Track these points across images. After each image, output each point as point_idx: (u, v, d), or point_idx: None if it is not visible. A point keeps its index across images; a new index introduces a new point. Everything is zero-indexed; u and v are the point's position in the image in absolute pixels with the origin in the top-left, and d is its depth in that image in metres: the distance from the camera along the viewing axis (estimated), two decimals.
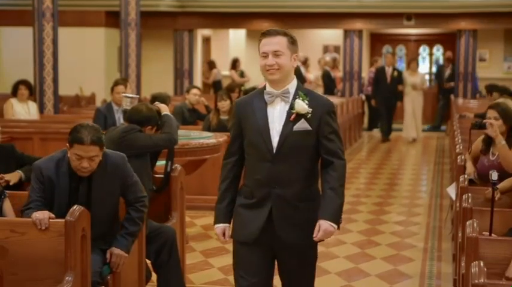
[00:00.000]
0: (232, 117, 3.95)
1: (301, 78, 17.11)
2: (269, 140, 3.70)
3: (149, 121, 5.48)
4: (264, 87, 3.81)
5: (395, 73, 15.26)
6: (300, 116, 3.67)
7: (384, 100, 15.25)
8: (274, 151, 3.69)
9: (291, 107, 3.70)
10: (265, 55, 3.73)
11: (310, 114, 3.67)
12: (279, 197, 3.72)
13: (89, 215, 3.99)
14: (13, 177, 5.24)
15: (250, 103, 3.81)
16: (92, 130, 4.26)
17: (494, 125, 5.59)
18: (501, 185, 5.07)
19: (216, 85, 17.06)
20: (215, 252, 6.84)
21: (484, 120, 5.68)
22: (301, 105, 3.66)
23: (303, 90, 3.78)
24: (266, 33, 3.77)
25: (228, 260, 6.53)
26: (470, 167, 5.92)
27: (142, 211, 4.51)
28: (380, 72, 15.48)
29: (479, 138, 6.02)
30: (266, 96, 3.76)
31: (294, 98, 3.71)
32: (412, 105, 15.25)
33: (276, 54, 3.69)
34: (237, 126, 3.87)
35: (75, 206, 3.93)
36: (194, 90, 10.17)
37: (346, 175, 3.77)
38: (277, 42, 3.72)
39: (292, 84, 3.78)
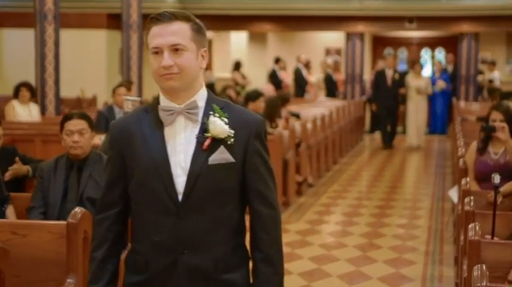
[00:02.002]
0: (108, 147, 2.70)
1: (302, 81, 17.22)
2: (171, 182, 2.52)
3: None
4: (157, 101, 2.61)
5: (397, 76, 14.56)
6: (217, 142, 2.52)
7: (385, 104, 14.49)
8: (180, 198, 2.52)
9: (203, 128, 2.53)
10: (157, 51, 2.51)
11: (232, 139, 2.53)
12: (190, 268, 2.55)
13: (90, 217, 3.99)
14: (20, 169, 5.27)
15: (137, 125, 2.59)
16: (78, 111, 4.89)
17: (506, 128, 5.61)
18: (503, 189, 5.07)
19: (209, 88, 17.04)
20: None
21: (496, 124, 5.68)
22: (219, 126, 2.51)
23: (218, 102, 2.61)
24: (157, 18, 2.54)
25: None
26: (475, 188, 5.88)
27: None
28: (380, 75, 14.76)
29: (471, 148, 6.03)
30: (162, 114, 2.55)
31: (206, 115, 2.54)
32: (416, 110, 14.47)
33: (175, 49, 2.51)
34: (116, 163, 2.63)
35: (76, 209, 3.93)
36: None
37: (281, 231, 2.68)
38: (176, 32, 2.52)
39: (201, 95, 2.60)
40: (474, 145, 6.03)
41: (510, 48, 18.75)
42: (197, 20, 2.62)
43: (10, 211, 4.61)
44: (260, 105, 9.00)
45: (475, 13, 16.33)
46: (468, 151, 6.13)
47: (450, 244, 7.23)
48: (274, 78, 17.06)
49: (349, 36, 17.44)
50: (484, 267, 3.33)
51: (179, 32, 2.53)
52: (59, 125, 4.76)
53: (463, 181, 5.54)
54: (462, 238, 5.03)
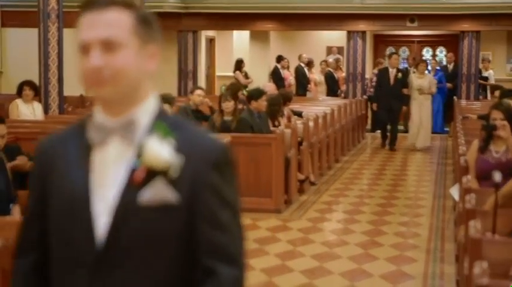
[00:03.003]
0: (31, 172, 2.08)
1: (304, 80, 17.25)
2: (89, 223, 1.85)
3: None
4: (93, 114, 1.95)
5: (400, 75, 14.02)
6: (153, 174, 1.81)
7: (386, 104, 13.97)
8: (99, 247, 1.84)
9: (138, 154, 1.84)
10: (85, 48, 1.87)
11: (177, 170, 1.82)
12: None
13: None
14: (25, 163, 5.30)
15: (64, 145, 1.96)
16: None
17: (507, 126, 5.64)
18: (502, 190, 5.05)
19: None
20: None
21: (497, 122, 5.71)
22: (155, 152, 1.80)
23: (168, 119, 1.91)
24: (90, 3, 1.90)
25: None
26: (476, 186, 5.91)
27: None
28: (383, 74, 14.31)
29: (472, 147, 6.07)
30: (92, 132, 1.92)
31: (148, 136, 1.86)
32: (419, 111, 13.94)
33: (107, 46, 1.86)
34: (35, 194, 2.01)
35: None
36: (198, 91, 10.20)
37: None
38: (111, 22, 1.88)
39: (145, 108, 1.92)
40: (475, 143, 6.07)
41: (511, 47, 18.77)
42: (144, 11, 1.97)
43: (16, 210, 4.65)
44: (262, 103, 9.03)
45: (476, 12, 16.36)
46: (469, 149, 6.17)
47: (451, 242, 7.27)
48: (276, 76, 17.09)
49: (350, 35, 17.45)
50: (485, 264, 3.36)
51: (115, 22, 1.86)
52: (61, 124, 4.78)
53: (464, 179, 5.58)
54: (463, 235, 5.06)
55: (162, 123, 1.87)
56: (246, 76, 17.15)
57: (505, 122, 5.69)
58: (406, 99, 14.04)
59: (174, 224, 1.83)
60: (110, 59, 1.85)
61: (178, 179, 1.82)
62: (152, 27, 2.00)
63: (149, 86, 1.98)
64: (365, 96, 16.76)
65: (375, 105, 14.73)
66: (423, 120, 13.98)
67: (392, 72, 14.04)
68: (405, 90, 13.92)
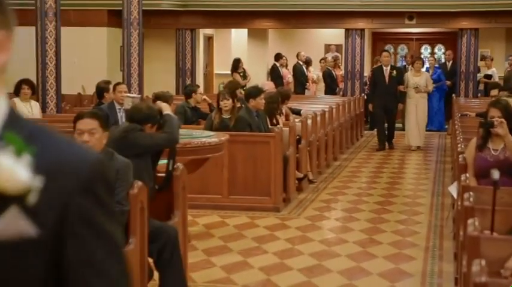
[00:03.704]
0: None
1: (303, 78, 17.24)
2: None
3: (149, 119, 5.51)
4: None
5: (394, 72, 13.81)
6: (5, 201, 1.33)
7: (383, 103, 13.73)
8: None
9: None
10: None
11: (36, 195, 1.34)
12: None
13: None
14: None
15: None
16: (90, 110, 4.76)
17: (504, 123, 5.63)
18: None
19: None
20: (217, 251, 6.86)
21: (494, 119, 5.70)
22: (8, 172, 1.32)
23: (22, 128, 1.41)
24: None
25: (230, 258, 6.57)
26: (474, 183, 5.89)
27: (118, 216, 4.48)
28: (377, 72, 14.07)
29: (470, 145, 6.06)
30: None
31: None
32: (416, 109, 13.70)
33: None
34: None
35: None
36: (199, 90, 10.31)
37: None
38: None
39: None
40: (474, 141, 6.06)
41: (509, 44, 18.77)
42: None
43: None
44: (261, 102, 9.02)
45: (475, 9, 16.36)
46: (468, 147, 6.16)
47: (450, 240, 7.26)
48: (275, 74, 17.07)
49: (348, 33, 17.44)
50: (483, 262, 3.35)
51: None
52: (59, 123, 4.78)
53: (463, 177, 5.56)
54: (462, 233, 5.05)
55: (15, 134, 1.36)
56: (244, 75, 17.11)
57: (503, 120, 5.68)
58: (402, 97, 13.88)
59: (33, 266, 1.37)
60: None
61: (38, 207, 1.34)
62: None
63: None
64: (363, 95, 16.74)
65: (370, 105, 14.55)
66: (419, 120, 13.75)
67: (386, 70, 13.82)
68: (400, 87, 13.76)
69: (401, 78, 13.78)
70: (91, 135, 4.54)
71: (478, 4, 16.25)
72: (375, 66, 15.57)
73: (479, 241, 3.96)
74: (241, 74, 17.05)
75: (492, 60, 17.36)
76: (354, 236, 7.52)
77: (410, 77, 13.78)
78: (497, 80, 16.29)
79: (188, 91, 10.19)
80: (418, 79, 13.69)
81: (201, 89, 10.36)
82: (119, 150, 4.89)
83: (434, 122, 16.69)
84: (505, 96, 8.13)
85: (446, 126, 16.54)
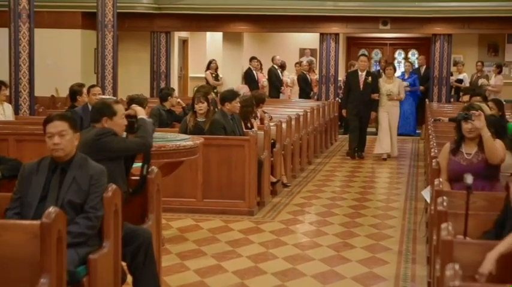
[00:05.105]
0: None
1: (278, 82, 17.25)
2: None
3: (102, 112, 5.38)
4: None
5: (370, 79, 13.10)
6: None
7: (356, 110, 13.12)
8: None
9: None
10: None
11: None
12: None
13: (65, 217, 3.98)
14: None
15: None
16: (59, 112, 4.77)
17: (482, 116, 5.66)
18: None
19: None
20: (191, 254, 6.84)
21: (471, 111, 5.73)
22: None
23: None
24: None
25: (204, 262, 6.56)
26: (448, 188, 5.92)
27: (92, 221, 4.46)
28: (352, 77, 13.39)
29: (444, 149, 6.10)
30: None
31: None
32: (388, 117, 13.15)
33: None
34: None
35: (50, 208, 3.91)
36: (175, 93, 10.28)
37: None
38: None
39: None
40: (447, 145, 6.09)
41: (481, 49, 18.97)
42: None
43: None
44: (236, 105, 9.01)
45: (448, 15, 16.52)
46: (441, 152, 6.19)
47: (423, 244, 7.30)
48: (249, 78, 17.06)
49: (323, 37, 17.51)
50: (456, 266, 3.36)
51: None
52: (32, 125, 4.74)
53: (436, 181, 5.59)
54: (435, 237, 5.08)
55: None
56: (217, 78, 17.10)
57: (481, 112, 5.71)
58: (376, 105, 13.20)
59: None
60: None
61: None
62: None
63: None
64: (337, 99, 16.78)
65: (344, 111, 13.66)
66: (391, 127, 13.26)
67: (362, 76, 13.15)
68: (374, 96, 13.11)
69: (376, 86, 13.15)
70: (61, 138, 4.50)
71: (451, 10, 16.40)
72: (349, 70, 15.52)
73: (453, 245, 3.98)
74: (214, 75, 17.05)
75: (464, 65, 17.54)
76: (327, 240, 7.53)
77: (383, 83, 13.24)
78: (467, 84, 16.45)
79: (164, 94, 10.15)
80: (391, 86, 13.20)
81: (175, 93, 10.32)
82: (92, 153, 4.85)
83: (407, 127, 16.77)
84: (478, 101, 8.19)
85: (419, 131, 16.64)
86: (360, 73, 13.24)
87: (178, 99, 10.53)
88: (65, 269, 3.99)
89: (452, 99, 17.16)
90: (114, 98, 10.36)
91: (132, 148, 5.48)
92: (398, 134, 14.40)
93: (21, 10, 10.96)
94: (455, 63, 17.73)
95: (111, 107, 5.33)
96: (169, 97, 10.00)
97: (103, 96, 8.69)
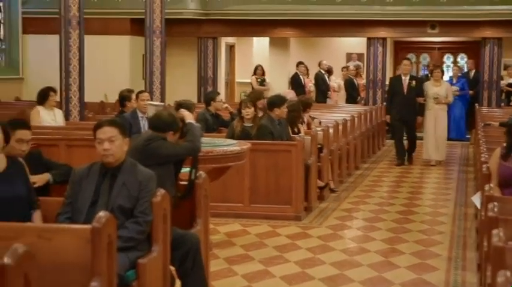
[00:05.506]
0: None
1: (324, 87, 17.21)
2: None
3: (170, 126, 5.51)
4: None
5: (414, 83, 12.80)
6: None
7: (400, 115, 12.80)
8: None
9: None
10: None
11: None
12: None
13: (115, 222, 4.02)
14: (40, 179, 5.29)
15: None
16: (109, 118, 4.82)
17: None
18: None
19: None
20: (239, 259, 6.85)
21: None
22: None
23: None
24: None
25: (251, 267, 6.57)
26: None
27: (141, 226, 4.49)
28: (395, 82, 13.14)
29: (494, 154, 6.02)
30: None
31: None
32: (435, 121, 12.81)
33: None
34: None
35: (101, 213, 3.96)
36: (219, 97, 10.28)
37: None
38: None
39: None
40: (498, 150, 6.02)
41: None
42: None
43: (37, 215, 4.68)
44: (284, 110, 9.03)
45: (498, 18, 16.29)
46: (492, 157, 6.12)
47: (473, 250, 7.20)
48: (296, 83, 17.06)
49: (370, 42, 17.42)
50: (508, 273, 3.31)
51: None
52: (82, 130, 4.80)
53: (487, 187, 5.53)
54: (485, 244, 5.01)
55: None
56: (263, 83, 17.10)
57: None
58: (421, 110, 12.90)
59: None
60: None
61: None
62: None
63: None
64: (384, 103, 16.65)
65: (388, 117, 13.40)
66: (438, 133, 12.87)
67: (405, 80, 12.83)
68: (420, 99, 12.81)
69: (421, 90, 12.81)
70: (111, 143, 4.54)
71: (501, 13, 16.17)
72: (393, 75, 15.31)
73: (504, 252, 3.93)
74: (259, 80, 17.07)
75: None
76: (375, 245, 7.48)
77: (430, 87, 12.85)
78: None
79: (207, 98, 10.21)
80: (438, 89, 12.80)
81: (221, 97, 10.35)
82: (142, 158, 4.91)
83: (457, 131, 16.60)
84: None
85: (469, 136, 16.44)
86: (403, 77, 12.93)
87: (226, 105, 10.56)
88: (116, 273, 4.03)
89: (502, 104, 16.91)
90: (162, 103, 10.47)
91: (181, 153, 5.52)
92: (449, 139, 14.18)
93: (71, 17, 11.14)
94: (506, 67, 17.47)
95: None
96: (212, 101, 10.03)
97: (151, 102, 8.77)
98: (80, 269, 3.94)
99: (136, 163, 4.69)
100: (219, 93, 10.82)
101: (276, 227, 8.12)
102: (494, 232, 4.09)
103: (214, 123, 9.83)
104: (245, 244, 7.44)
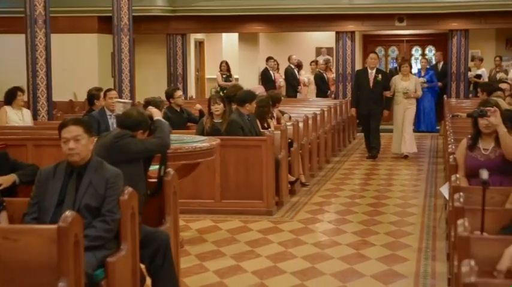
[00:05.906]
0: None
1: (294, 81, 17.24)
2: None
3: (140, 125, 5.50)
4: None
5: (380, 76, 12.66)
6: None
7: (366, 108, 12.71)
8: None
9: None
10: None
11: None
12: None
13: (81, 221, 4.00)
14: (5, 180, 5.24)
15: None
16: (73, 117, 4.81)
17: (497, 112, 5.63)
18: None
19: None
20: (210, 255, 6.85)
21: (486, 108, 5.69)
22: None
23: None
24: None
25: (223, 263, 6.57)
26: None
27: (109, 224, 4.46)
28: (361, 75, 12.96)
29: (461, 145, 6.07)
30: None
31: None
32: (403, 115, 12.79)
33: None
34: None
35: (67, 212, 3.94)
36: (178, 92, 10.13)
37: None
38: None
39: None
40: (464, 141, 6.07)
41: (499, 44, 18.84)
42: None
43: (3, 216, 4.64)
44: (254, 106, 9.03)
45: (465, 10, 16.43)
46: (458, 148, 6.16)
47: (443, 240, 7.27)
48: (266, 78, 17.06)
49: (339, 35, 17.49)
50: (472, 262, 3.35)
51: None
52: (50, 130, 4.77)
53: (453, 177, 5.57)
54: (453, 234, 5.06)
55: None
56: (228, 78, 16.98)
57: (496, 108, 5.68)
58: (388, 103, 12.86)
59: None
60: None
61: None
62: None
63: None
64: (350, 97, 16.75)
65: (353, 110, 13.42)
66: (406, 126, 12.81)
67: (371, 73, 12.70)
68: (386, 93, 12.72)
69: (387, 83, 12.79)
70: (77, 142, 4.52)
71: (467, 5, 16.31)
72: (359, 69, 15.21)
73: (469, 241, 3.96)
74: (224, 75, 16.98)
75: (482, 60, 17.41)
76: (347, 238, 7.52)
77: (398, 81, 12.82)
78: (486, 80, 16.35)
79: (166, 96, 10.01)
80: (407, 83, 12.77)
81: (192, 93, 10.27)
82: (110, 156, 4.89)
83: (427, 123, 16.73)
84: (497, 96, 8.14)
85: (438, 127, 16.56)
86: (369, 71, 12.80)
87: (198, 105, 10.48)
88: (83, 272, 4.01)
89: (470, 95, 17.06)
90: (131, 101, 10.42)
91: (150, 149, 5.50)
92: (419, 131, 14.26)
93: (37, 16, 11.03)
94: (473, 59, 17.64)
95: None
96: (170, 98, 9.91)
97: (119, 100, 8.72)
98: (47, 270, 3.91)
99: (103, 161, 4.67)
100: (178, 89, 10.63)
101: (248, 222, 8.13)
102: (460, 221, 4.13)
103: (178, 119, 9.65)
104: (217, 239, 7.44)
